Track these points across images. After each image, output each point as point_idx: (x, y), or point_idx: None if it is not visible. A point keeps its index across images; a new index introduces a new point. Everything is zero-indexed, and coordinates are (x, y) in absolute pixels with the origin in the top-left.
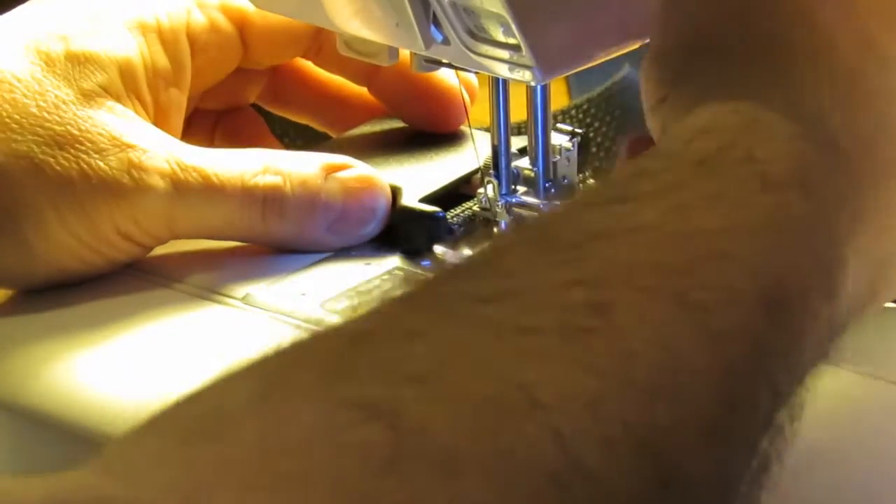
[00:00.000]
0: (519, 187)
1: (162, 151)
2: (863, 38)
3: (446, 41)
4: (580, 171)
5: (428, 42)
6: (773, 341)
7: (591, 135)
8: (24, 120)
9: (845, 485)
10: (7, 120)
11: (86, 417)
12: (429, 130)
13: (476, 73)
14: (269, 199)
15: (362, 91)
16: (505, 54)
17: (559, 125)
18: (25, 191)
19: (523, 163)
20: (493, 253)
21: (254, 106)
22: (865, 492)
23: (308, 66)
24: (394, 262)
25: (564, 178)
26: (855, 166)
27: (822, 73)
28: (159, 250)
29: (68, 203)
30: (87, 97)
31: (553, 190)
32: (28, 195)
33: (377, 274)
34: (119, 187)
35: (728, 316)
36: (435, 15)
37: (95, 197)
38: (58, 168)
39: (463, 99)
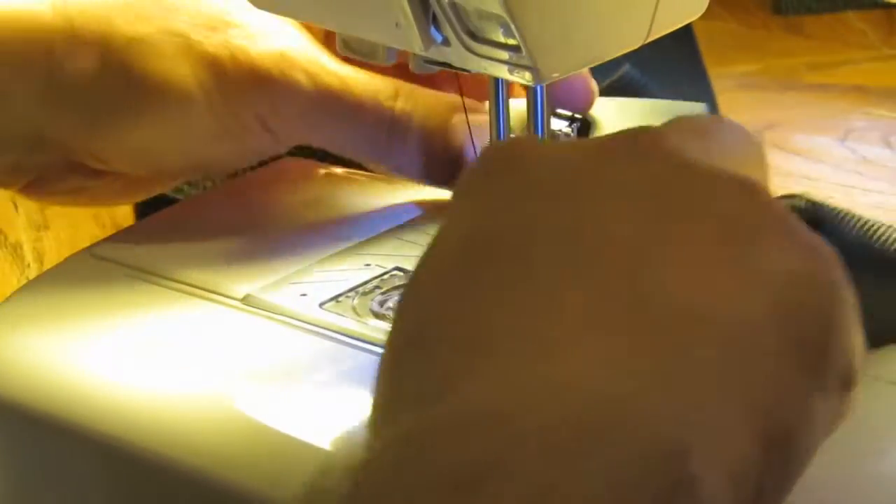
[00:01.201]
0: None
1: (307, 51)
2: None
3: (446, 42)
4: None
5: (428, 43)
6: None
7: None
8: (180, 1)
9: (846, 485)
10: (165, 1)
11: (85, 417)
12: None
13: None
14: (396, 123)
15: None
16: (505, 55)
17: (558, 110)
18: (177, 67)
19: None
20: None
21: None
22: (866, 492)
23: None
24: (394, 262)
25: None
26: None
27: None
28: (158, 250)
29: (216, 83)
30: None
31: None
32: (179, 72)
33: (377, 274)
34: (266, 75)
35: None
36: (435, 15)
37: (242, 81)
38: (210, 48)
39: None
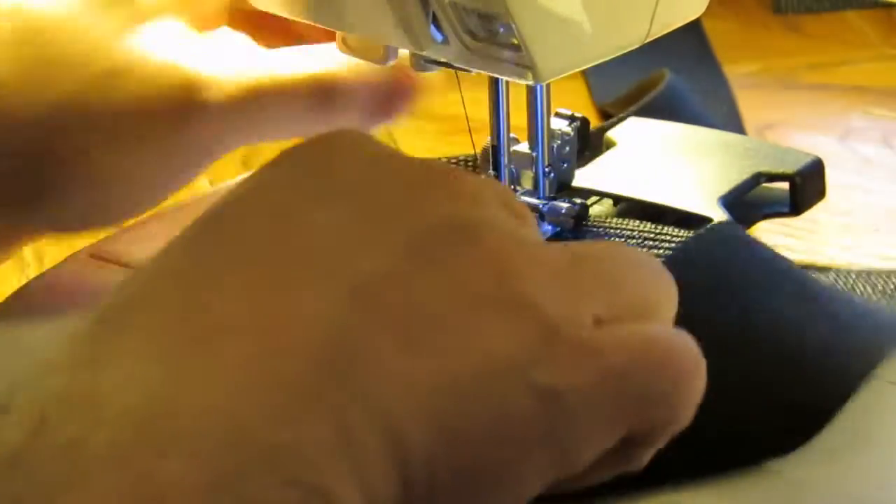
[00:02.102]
0: (518, 187)
1: (214, 63)
2: None
3: (446, 41)
4: (580, 156)
5: (428, 42)
6: None
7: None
8: (70, 59)
9: (846, 485)
10: (52, 63)
11: None
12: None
13: (476, 73)
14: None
15: None
16: (505, 55)
17: (559, 110)
18: (80, 133)
19: (522, 147)
20: None
21: None
22: (866, 492)
23: None
24: None
25: (564, 162)
26: None
27: None
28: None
29: (128, 132)
30: (129, 23)
31: (553, 175)
32: (84, 136)
33: None
34: (177, 106)
35: None
36: (435, 15)
37: (155, 121)
38: (115, 101)
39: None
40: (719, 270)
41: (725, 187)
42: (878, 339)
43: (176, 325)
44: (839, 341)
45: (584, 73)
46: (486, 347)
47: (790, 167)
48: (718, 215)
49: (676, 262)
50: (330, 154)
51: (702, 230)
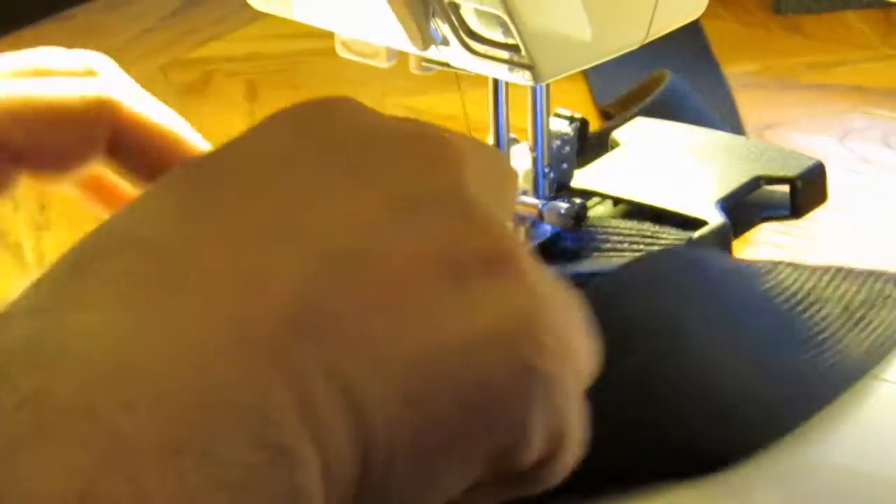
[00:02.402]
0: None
1: None
2: None
3: (446, 41)
4: (580, 155)
5: (427, 42)
6: None
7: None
8: None
9: (846, 485)
10: None
11: None
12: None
13: (476, 73)
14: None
15: None
16: (504, 54)
17: (559, 110)
18: None
19: (521, 148)
20: None
21: None
22: (866, 492)
23: None
24: None
25: (563, 162)
26: None
27: None
28: None
29: None
30: None
31: (552, 175)
32: None
33: None
34: None
35: None
36: (435, 15)
37: None
38: None
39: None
40: (646, 311)
41: (724, 190)
42: (795, 392)
43: (151, 273)
44: (749, 392)
45: (585, 73)
46: (465, 318)
47: (791, 171)
48: (716, 218)
49: (609, 293)
50: (328, 115)
51: (645, 260)
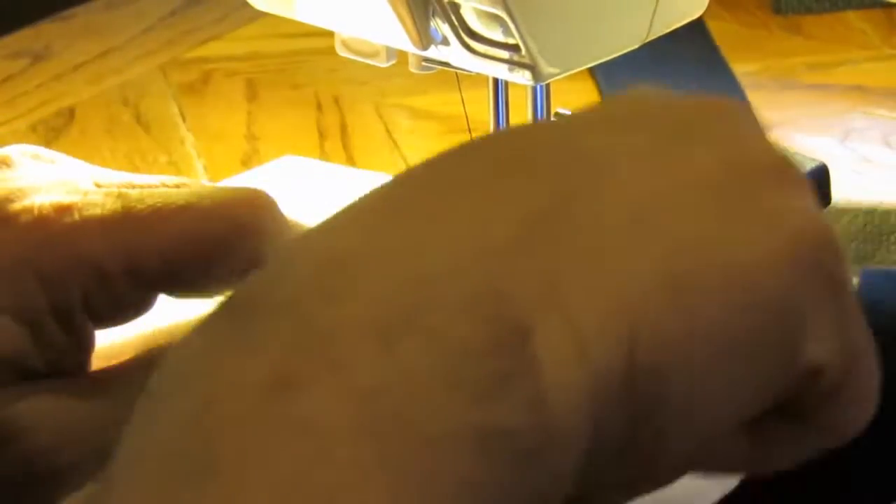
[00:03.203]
0: None
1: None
2: None
3: (446, 41)
4: None
5: (427, 42)
6: None
7: None
8: None
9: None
10: None
11: None
12: None
13: (476, 73)
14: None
15: None
16: (505, 54)
17: (559, 110)
18: None
19: None
20: None
21: None
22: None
23: None
24: None
25: None
26: None
27: None
28: None
29: None
30: None
31: None
32: None
33: None
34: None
35: None
36: (435, 15)
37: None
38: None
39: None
40: None
41: None
42: None
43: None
44: None
45: (593, 73)
46: (763, 225)
47: None
48: None
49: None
50: (637, 105)
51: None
